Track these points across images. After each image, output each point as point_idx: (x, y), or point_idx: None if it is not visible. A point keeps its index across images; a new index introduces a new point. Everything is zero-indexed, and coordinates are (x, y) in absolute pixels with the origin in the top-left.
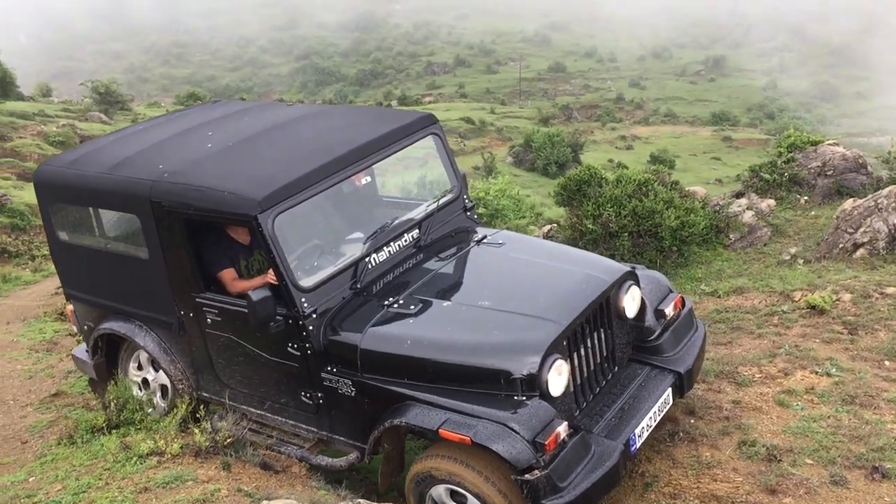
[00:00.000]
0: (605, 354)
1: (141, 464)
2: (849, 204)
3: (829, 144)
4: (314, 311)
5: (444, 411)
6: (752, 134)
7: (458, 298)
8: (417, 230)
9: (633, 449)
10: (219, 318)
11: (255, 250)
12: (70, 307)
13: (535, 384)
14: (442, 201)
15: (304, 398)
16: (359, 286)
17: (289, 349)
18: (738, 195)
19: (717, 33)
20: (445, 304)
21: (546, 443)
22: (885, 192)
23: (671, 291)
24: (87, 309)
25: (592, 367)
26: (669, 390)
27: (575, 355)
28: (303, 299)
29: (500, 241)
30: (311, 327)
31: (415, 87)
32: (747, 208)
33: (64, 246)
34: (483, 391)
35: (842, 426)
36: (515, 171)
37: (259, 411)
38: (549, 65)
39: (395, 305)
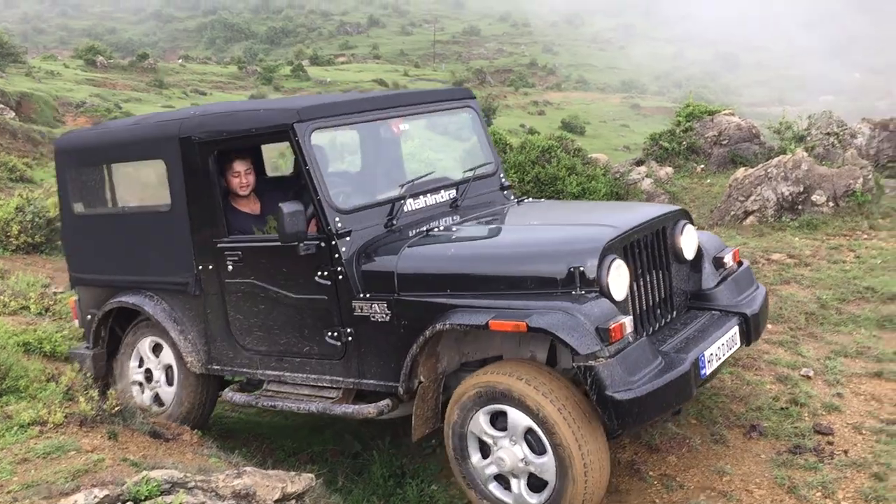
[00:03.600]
0: (662, 296)
1: (21, 434)
2: (741, 173)
3: (725, 115)
4: (347, 233)
5: (494, 310)
6: (660, 102)
7: (503, 223)
8: (455, 191)
9: (702, 371)
10: (241, 263)
11: (267, 217)
12: (73, 298)
13: (594, 281)
14: (479, 171)
15: (330, 339)
16: (394, 224)
17: (317, 279)
18: (639, 163)
19: (629, 1)
20: (491, 226)
21: (611, 329)
22: (774, 161)
23: (727, 246)
24: (94, 293)
25: (652, 304)
26: (737, 328)
27: (634, 285)
28: (336, 218)
29: (541, 200)
30: (343, 248)
31: (327, 47)
32: (646, 176)
33: (78, 220)
34: (537, 292)
35: (724, 387)
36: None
37: (277, 371)
38: (463, 28)
39: (435, 230)
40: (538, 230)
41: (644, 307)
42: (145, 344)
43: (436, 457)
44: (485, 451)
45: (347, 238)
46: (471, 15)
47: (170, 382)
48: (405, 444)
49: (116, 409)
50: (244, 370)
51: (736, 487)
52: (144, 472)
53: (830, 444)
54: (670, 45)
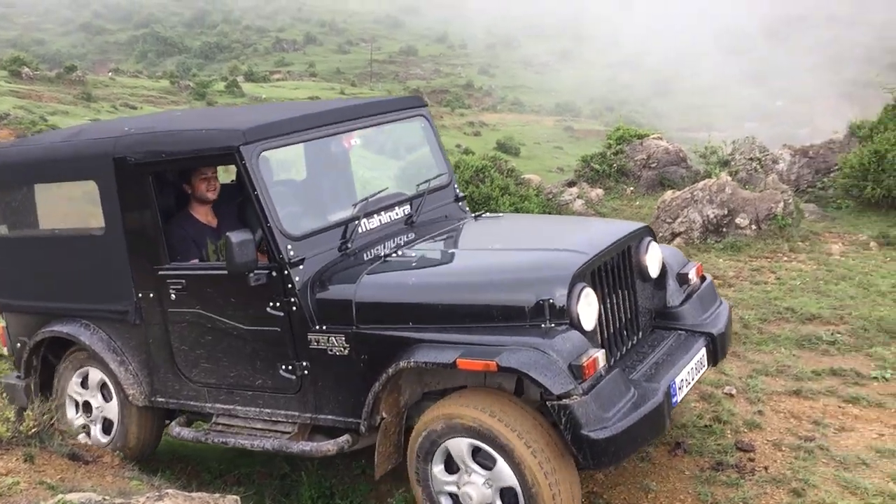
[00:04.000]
0: (628, 316)
1: None
2: (668, 195)
3: (653, 138)
4: (300, 261)
5: (462, 346)
6: (593, 125)
7: (464, 246)
8: (409, 206)
9: (674, 399)
10: (184, 292)
11: (223, 232)
12: (1, 325)
13: (564, 312)
14: (433, 183)
15: (284, 373)
16: (349, 246)
17: (269, 310)
18: (571, 184)
19: (563, 25)
20: (452, 250)
21: (584, 365)
22: (700, 185)
23: (689, 261)
24: (24, 320)
25: (618, 327)
26: (704, 350)
27: (601, 309)
28: (288, 246)
29: (499, 214)
30: (296, 278)
31: (263, 64)
32: (578, 196)
33: (2, 243)
34: (504, 325)
35: None
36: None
37: (227, 405)
38: (400, 48)
39: (394, 255)
40: (502, 256)
41: (611, 331)
42: (93, 374)
43: (365, 477)
44: (450, 467)
45: (300, 266)
46: (408, 35)
47: (106, 432)
48: (334, 465)
49: (33, 430)
50: (191, 403)
51: None
52: (60, 496)
53: (752, 460)
54: (604, 70)
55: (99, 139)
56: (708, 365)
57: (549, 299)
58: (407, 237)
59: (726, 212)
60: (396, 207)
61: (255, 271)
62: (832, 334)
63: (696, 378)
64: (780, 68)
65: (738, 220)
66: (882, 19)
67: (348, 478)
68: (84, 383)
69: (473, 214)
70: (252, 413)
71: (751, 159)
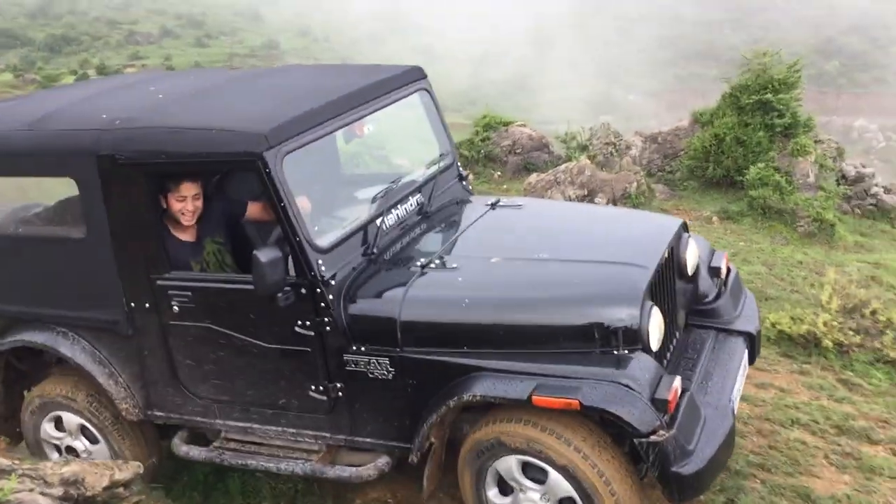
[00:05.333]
0: (671, 319)
1: None
2: (534, 178)
3: (517, 126)
4: (333, 277)
5: (530, 376)
6: (457, 118)
7: (506, 254)
8: (420, 195)
9: (734, 413)
10: (192, 305)
11: (204, 242)
12: None
13: (636, 336)
14: (442, 164)
15: (314, 394)
16: (374, 252)
17: (298, 330)
18: None
19: (426, 22)
20: (494, 259)
21: (669, 399)
22: (562, 167)
23: (715, 251)
24: None
25: (667, 335)
26: (746, 353)
27: None
28: (320, 261)
29: (519, 203)
30: (331, 296)
31: (115, 57)
32: None
33: None
34: (570, 351)
35: None
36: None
37: (242, 423)
38: (262, 41)
39: (432, 265)
40: (559, 270)
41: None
42: (67, 417)
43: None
44: (503, 488)
45: (333, 282)
46: (269, 29)
47: (92, 441)
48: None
49: None
50: (196, 419)
51: None
52: None
53: None
54: (465, 66)
55: (77, 132)
56: (748, 366)
57: (621, 323)
58: (422, 227)
59: (586, 192)
60: (410, 197)
61: (284, 290)
62: None
63: (743, 383)
64: (630, 65)
65: (596, 200)
66: (721, 18)
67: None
68: (59, 426)
69: (489, 201)
70: (272, 432)
71: (607, 144)
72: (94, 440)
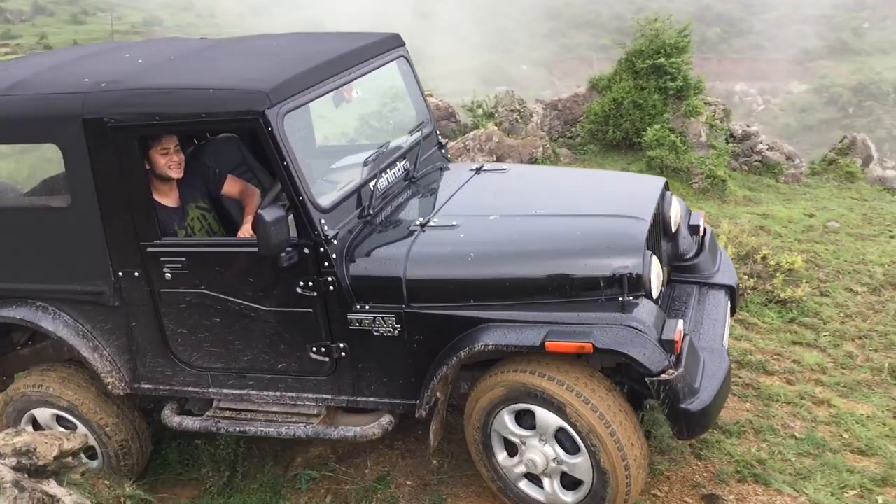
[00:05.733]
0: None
1: None
2: None
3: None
4: (335, 236)
5: (540, 325)
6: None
7: (503, 212)
8: (406, 161)
9: None
10: (185, 271)
11: (187, 207)
12: None
13: (639, 283)
14: (424, 131)
15: (315, 356)
16: (370, 213)
17: (299, 291)
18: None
19: None
20: (492, 217)
21: (676, 340)
22: (471, 135)
23: (691, 210)
24: None
25: None
26: (728, 304)
27: None
28: (322, 220)
29: (503, 168)
30: (334, 255)
31: None
32: None
33: None
34: (576, 300)
35: None
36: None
37: (237, 391)
38: (143, 17)
39: (432, 224)
40: (560, 224)
41: None
42: (43, 413)
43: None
44: (511, 449)
45: (335, 241)
46: (151, 5)
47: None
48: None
49: None
50: (188, 389)
51: None
52: None
53: None
54: None
55: (61, 94)
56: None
57: (626, 270)
58: (410, 192)
59: (495, 158)
60: (397, 163)
61: (287, 250)
62: None
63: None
64: (519, 36)
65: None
66: None
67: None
68: (35, 426)
69: (473, 167)
70: (270, 398)
71: (511, 111)
72: (72, 427)
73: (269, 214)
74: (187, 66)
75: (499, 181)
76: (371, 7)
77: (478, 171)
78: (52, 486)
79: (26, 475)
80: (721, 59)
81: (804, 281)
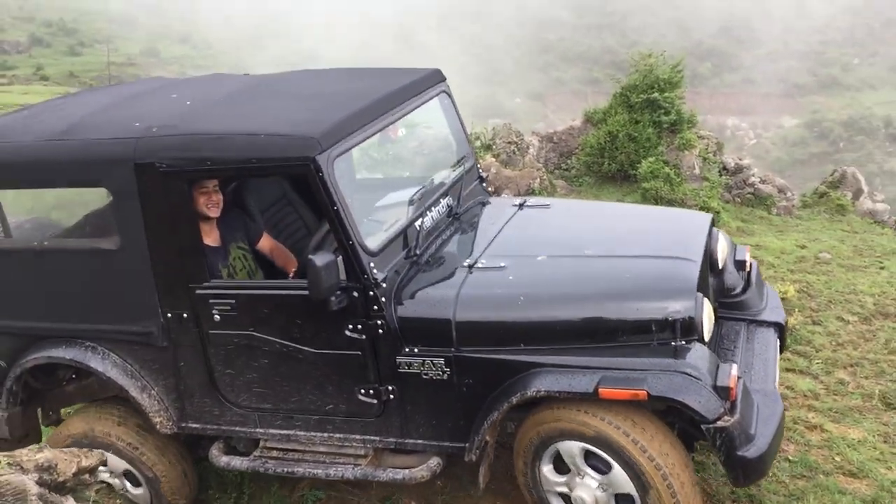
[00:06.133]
0: None
1: None
2: None
3: (424, 128)
4: (384, 279)
5: (592, 370)
6: None
7: (551, 252)
8: (449, 198)
9: None
10: (234, 313)
11: (229, 247)
12: None
13: (691, 327)
14: (466, 166)
15: (363, 397)
16: (417, 253)
17: (348, 334)
18: None
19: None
20: (540, 257)
21: (730, 386)
22: None
23: (736, 244)
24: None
25: None
26: (777, 342)
27: None
28: (371, 263)
29: (546, 203)
30: (383, 299)
31: None
32: None
33: None
34: (627, 344)
35: None
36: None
37: (284, 431)
38: (140, 49)
39: (479, 265)
40: (609, 265)
41: None
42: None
43: None
44: (558, 466)
45: (384, 284)
46: (147, 36)
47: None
48: None
49: None
50: (235, 429)
51: None
52: None
53: None
54: (308, 45)
55: (112, 140)
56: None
57: (678, 315)
58: (453, 229)
59: (493, 189)
60: (441, 200)
61: (338, 295)
62: None
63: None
64: (513, 69)
65: (503, 195)
66: (596, 21)
67: None
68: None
69: (515, 202)
70: (317, 439)
71: (509, 143)
72: (136, 483)
73: (321, 260)
74: (234, 110)
75: (543, 218)
76: (364, 38)
77: (520, 206)
78: (70, 503)
79: (48, 490)
80: (713, 93)
81: (796, 310)
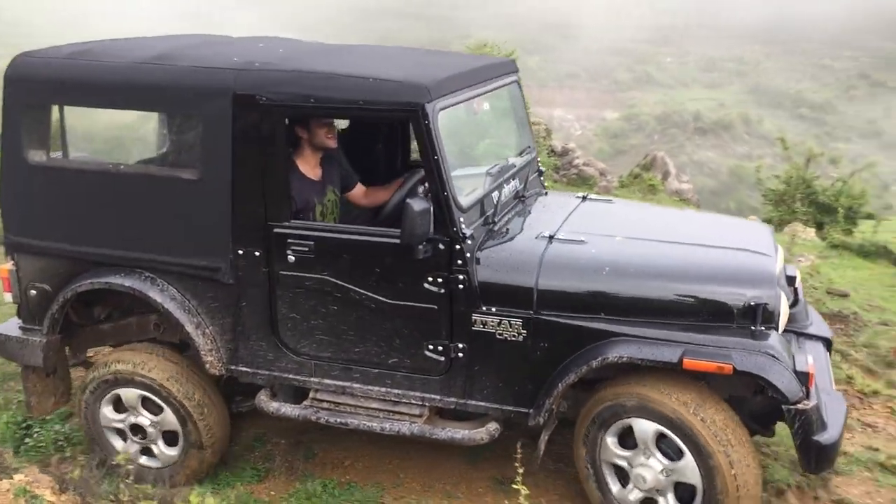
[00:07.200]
0: None
1: None
2: None
3: None
4: (471, 236)
5: (675, 343)
6: None
7: (628, 234)
8: (516, 181)
9: None
10: (311, 255)
11: (327, 187)
12: (7, 266)
13: (772, 316)
14: (532, 155)
15: (430, 353)
16: (495, 220)
17: (426, 286)
18: None
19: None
20: (617, 238)
21: (809, 372)
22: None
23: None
24: (44, 264)
25: None
26: (828, 356)
27: None
28: (461, 218)
29: (609, 199)
30: (468, 254)
31: None
32: None
33: (33, 172)
34: (707, 324)
35: None
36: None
37: (340, 382)
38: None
39: (559, 236)
40: (692, 251)
41: None
42: (128, 393)
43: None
44: (623, 440)
45: (470, 241)
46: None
47: (171, 443)
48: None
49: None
50: (287, 376)
51: None
52: None
53: None
54: None
55: (214, 69)
56: None
57: (761, 301)
58: (521, 209)
59: None
60: (511, 180)
61: (425, 244)
62: None
63: None
64: None
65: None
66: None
67: None
68: (118, 407)
69: (577, 195)
70: (374, 393)
71: None
72: (157, 411)
73: (418, 205)
74: (334, 59)
75: (609, 209)
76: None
77: (584, 198)
78: None
79: None
80: (541, 86)
81: None
